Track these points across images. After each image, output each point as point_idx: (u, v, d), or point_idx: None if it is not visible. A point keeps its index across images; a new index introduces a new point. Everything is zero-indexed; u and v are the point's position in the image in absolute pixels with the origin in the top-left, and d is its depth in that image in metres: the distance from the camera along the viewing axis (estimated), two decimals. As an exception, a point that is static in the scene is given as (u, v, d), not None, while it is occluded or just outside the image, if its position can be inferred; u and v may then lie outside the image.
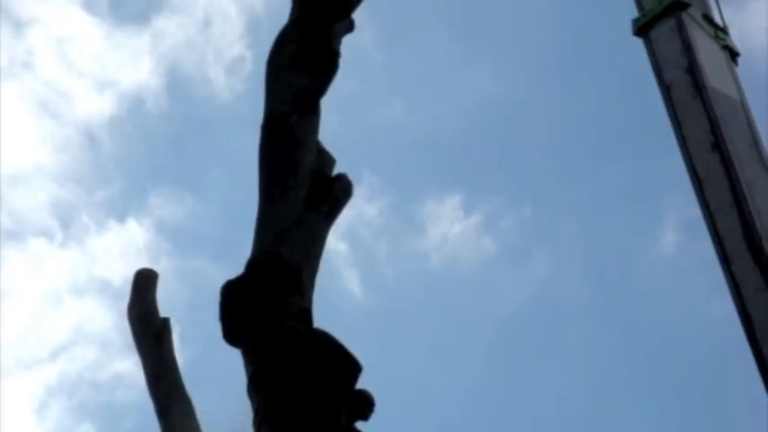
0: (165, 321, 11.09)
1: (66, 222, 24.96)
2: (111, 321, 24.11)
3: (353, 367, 6.73)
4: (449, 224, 23.89)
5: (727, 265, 6.99)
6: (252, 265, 7.00)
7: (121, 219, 25.21)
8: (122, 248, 24.16)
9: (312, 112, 7.81)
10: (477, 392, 20.76)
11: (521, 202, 23.89)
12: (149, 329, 11.02)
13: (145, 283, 11.31)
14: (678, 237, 23.50)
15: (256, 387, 6.64)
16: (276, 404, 6.50)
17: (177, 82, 24.79)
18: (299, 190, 7.42)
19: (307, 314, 6.98)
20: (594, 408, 20.81)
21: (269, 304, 6.80)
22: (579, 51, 23.51)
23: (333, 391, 6.57)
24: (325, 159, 7.76)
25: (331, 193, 7.55)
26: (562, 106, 23.98)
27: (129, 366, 22.20)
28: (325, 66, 7.97)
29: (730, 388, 20.26)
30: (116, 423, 22.84)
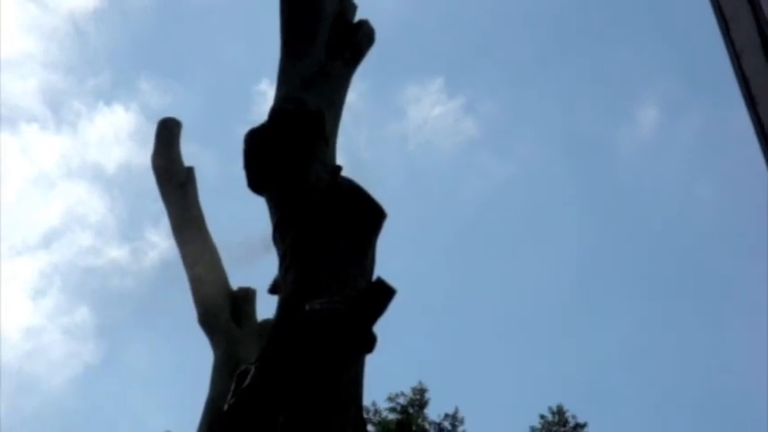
0: (190, 170, 11.08)
1: (57, 109, 24.93)
2: (105, 207, 24.29)
3: (378, 214, 6.74)
4: (429, 107, 23.69)
5: (753, 107, 6.91)
6: (276, 113, 6.95)
7: (111, 106, 25.12)
8: (114, 134, 24.15)
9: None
10: (456, 279, 20.82)
11: (503, 86, 23.60)
12: (174, 179, 11.02)
13: (168, 133, 11.27)
14: (661, 118, 23.32)
15: (282, 234, 6.66)
16: (302, 250, 6.53)
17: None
18: (321, 36, 7.33)
19: (331, 162, 6.98)
20: (578, 292, 20.85)
21: (293, 152, 6.79)
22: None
23: (359, 235, 6.60)
24: (347, 4, 7.65)
25: (353, 39, 7.46)
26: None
27: (125, 253, 22.59)
28: None
29: (713, 269, 20.44)
30: (113, 309, 23.03)
